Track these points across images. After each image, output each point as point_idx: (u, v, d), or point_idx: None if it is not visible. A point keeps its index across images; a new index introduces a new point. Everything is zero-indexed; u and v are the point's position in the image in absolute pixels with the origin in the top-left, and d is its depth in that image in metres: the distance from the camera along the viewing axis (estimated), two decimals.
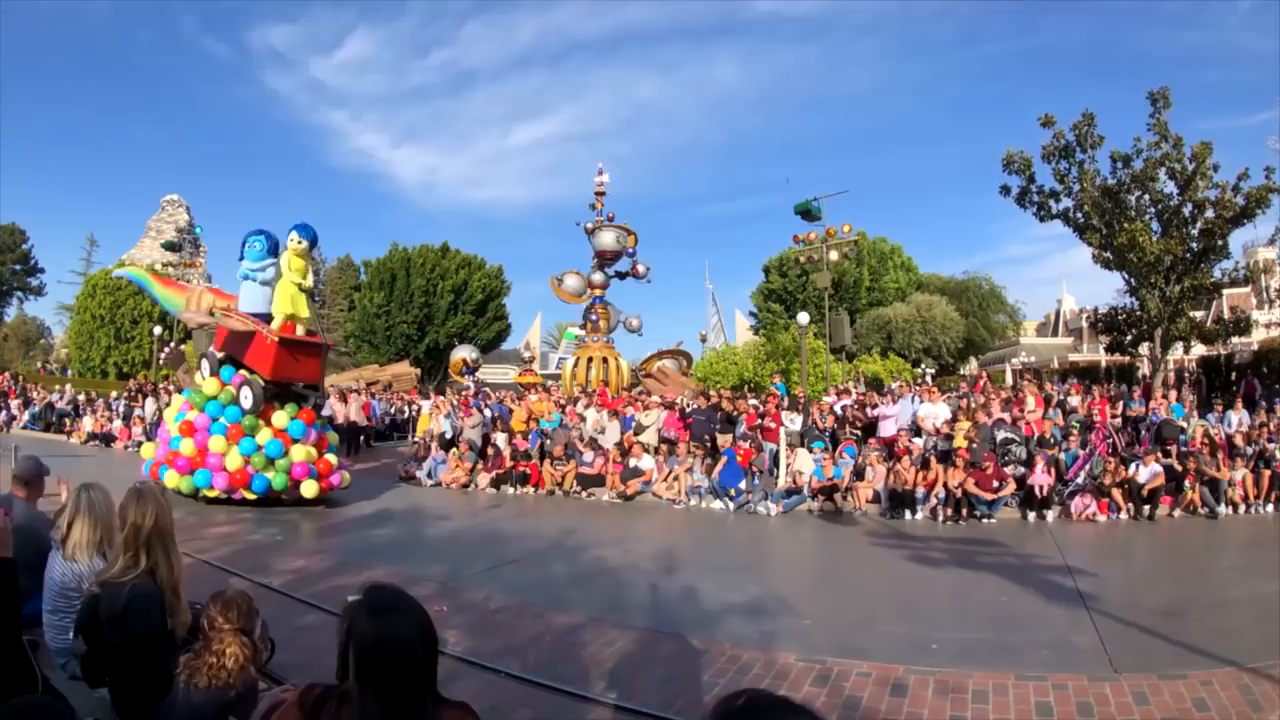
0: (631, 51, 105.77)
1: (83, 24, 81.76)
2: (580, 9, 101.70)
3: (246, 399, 9.36)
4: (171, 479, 9.26)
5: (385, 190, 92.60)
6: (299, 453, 9.53)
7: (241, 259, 9.75)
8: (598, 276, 18.98)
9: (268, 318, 9.53)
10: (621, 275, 19.27)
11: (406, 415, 19.61)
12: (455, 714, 1.54)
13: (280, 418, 9.61)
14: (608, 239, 18.35)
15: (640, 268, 18.94)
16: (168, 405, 16.65)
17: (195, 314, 10.65)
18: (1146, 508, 9.72)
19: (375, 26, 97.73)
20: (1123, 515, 9.70)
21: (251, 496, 9.23)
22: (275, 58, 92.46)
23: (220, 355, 9.96)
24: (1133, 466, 10.04)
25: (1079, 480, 10.11)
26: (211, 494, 9.17)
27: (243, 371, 9.66)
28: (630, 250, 18.78)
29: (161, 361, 11.11)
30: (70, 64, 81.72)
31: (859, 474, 10.71)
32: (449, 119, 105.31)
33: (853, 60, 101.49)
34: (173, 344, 11.46)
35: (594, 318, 19.29)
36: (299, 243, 9.43)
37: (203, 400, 9.56)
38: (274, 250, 9.69)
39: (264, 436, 9.38)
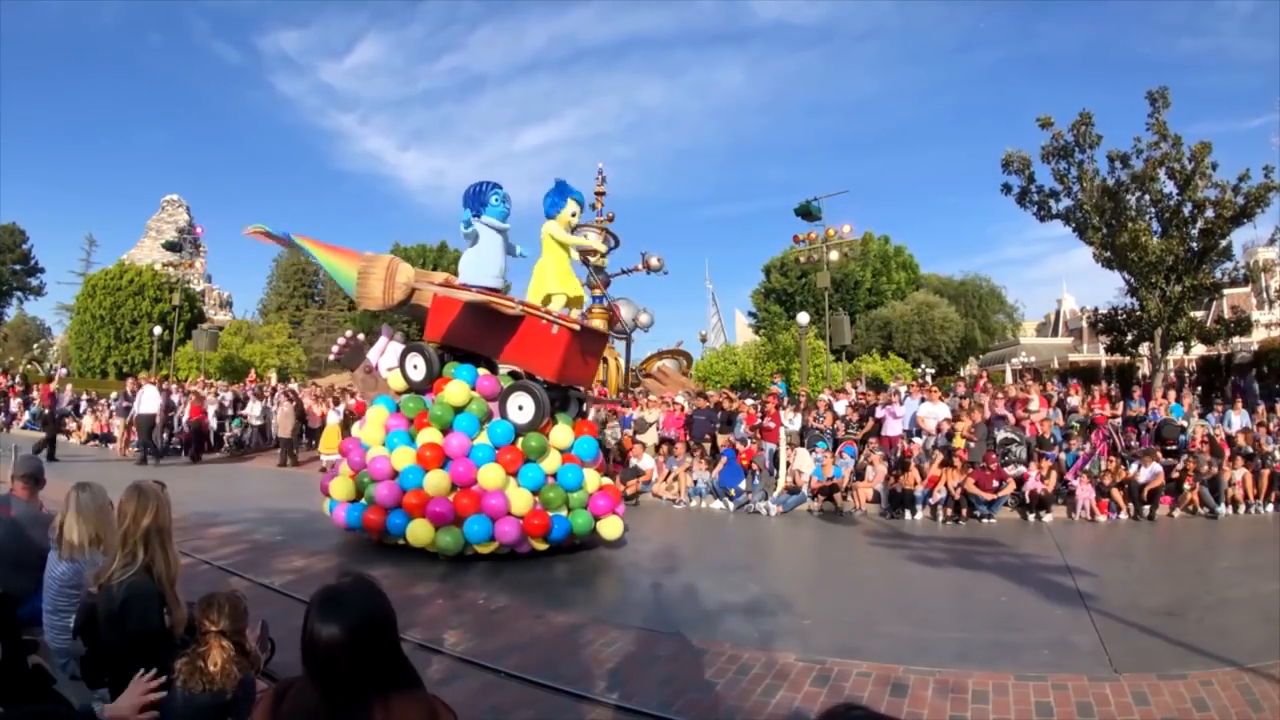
0: (638, 57, 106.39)
1: (92, 26, 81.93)
2: (589, 15, 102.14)
3: (523, 410, 6.89)
4: (420, 533, 6.47)
5: (391, 192, 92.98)
6: (593, 480, 7.18)
7: (477, 215, 7.27)
8: (598, 276, 18.95)
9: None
10: (627, 271, 19.24)
11: None
12: (403, 705, 1.56)
13: (561, 434, 7.14)
14: (591, 238, 18.28)
15: (653, 260, 18.84)
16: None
17: (391, 286, 7.74)
18: (1146, 508, 9.72)
19: (385, 32, 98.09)
20: (1123, 515, 9.70)
21: (542, 547, 6.77)
22: (286, 62, 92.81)
23: (437, 346, 7.51)
24: (1133, 466, 10.04)
25: (1076, 480, 10.11)
26: (486, 549, 6.54)
27: (484, 371, 7.35)
28: (610, 247, 18.62)
29: (334, 357, 9.11)
30: (77, 66, 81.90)
31: (859, 474, 10.71)
32: (456, 123, 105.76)
33: (855, 65, 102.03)
34: (350, 334, 9.38)
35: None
36: (574, 209, 7.51)
37: (446, 414, 6.95)
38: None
39: (552, 462, 6.97)
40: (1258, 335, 25.94)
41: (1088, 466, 10.39)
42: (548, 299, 7.29)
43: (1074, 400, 13.81)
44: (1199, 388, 17.78)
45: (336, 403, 14.81)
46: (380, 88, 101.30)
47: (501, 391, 7.09)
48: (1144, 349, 20.08)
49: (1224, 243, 17.16)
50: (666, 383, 18.21)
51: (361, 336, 8.68)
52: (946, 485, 9.76)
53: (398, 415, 7.35)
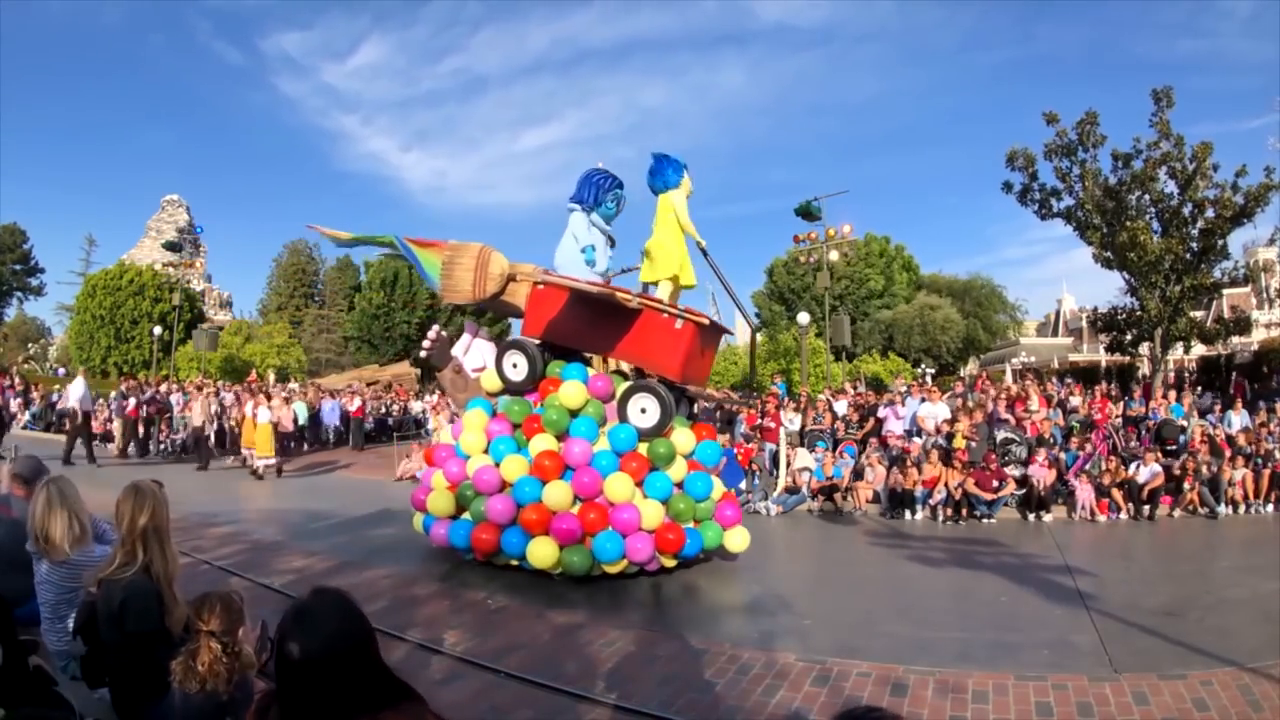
0: (640, 59, 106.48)
1: (95, 27, 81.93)
2: (592, 18, 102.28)
3: (646, 413, 6.17)
4: (543, 553, 5.72)
5: (394, 193, 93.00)
6: (718, 488, 6.59)
7: (586, 207, 6.79)
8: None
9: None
10: (627, 270, 19.23)
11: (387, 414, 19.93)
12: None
13: (683, 438, 6.37)
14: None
15: None
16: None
17: (483, 278, 6.93)
18: (1146, 508, 9.72)
19: (388, 33, 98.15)
20: (1123, 515, 9.70)
21: (671, 565, 6.16)
22: (289, 63, 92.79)
23: (538, 342, 6.75)
24: (1132, 466, 10.04)
25: (1076, 480, 10.11)
26: (615, 569, 5.83)
27: (589, 369, 6.71)
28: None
29: (424, 354, 8.20)
30: (80, 66, 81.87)
31: (859, 474, 10.71)
32: (459, 124, 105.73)
33: (856, 67, 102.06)
34: (437, 329, 8.51)
35: None
36: (687, 186, 6.58)
37: (562, 418, 6.19)
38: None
39: (679, 470, 6.29)
40: (1258, 335, 25.94)
41: (1088, 466, 10.39)
42: (675, 283, 6.48)
43: (1074, 400, 13.81)
44: (1199, 388, 17.78)
45: (269, 398, 13.84)
46: (383, 89, 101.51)
47: (619, 393, 6.36)
48: (1144, 349, 20.10)
49: (1222, 243, 17.17)
50: None
51: (445, 334, 7.84)
52: (947, 485, 9.76)
53: (500, 419, 6.55)
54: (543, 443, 6.16)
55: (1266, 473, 10.14)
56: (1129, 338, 19.43)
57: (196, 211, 48.67)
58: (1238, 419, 12.15)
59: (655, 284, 6.60)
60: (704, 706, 3.69)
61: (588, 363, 6.88)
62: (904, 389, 13.40)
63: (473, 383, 7.38)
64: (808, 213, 19.61)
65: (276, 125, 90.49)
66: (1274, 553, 7.40)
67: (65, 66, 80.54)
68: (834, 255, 19.74)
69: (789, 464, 10.87)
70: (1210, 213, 16.58)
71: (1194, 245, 17.10)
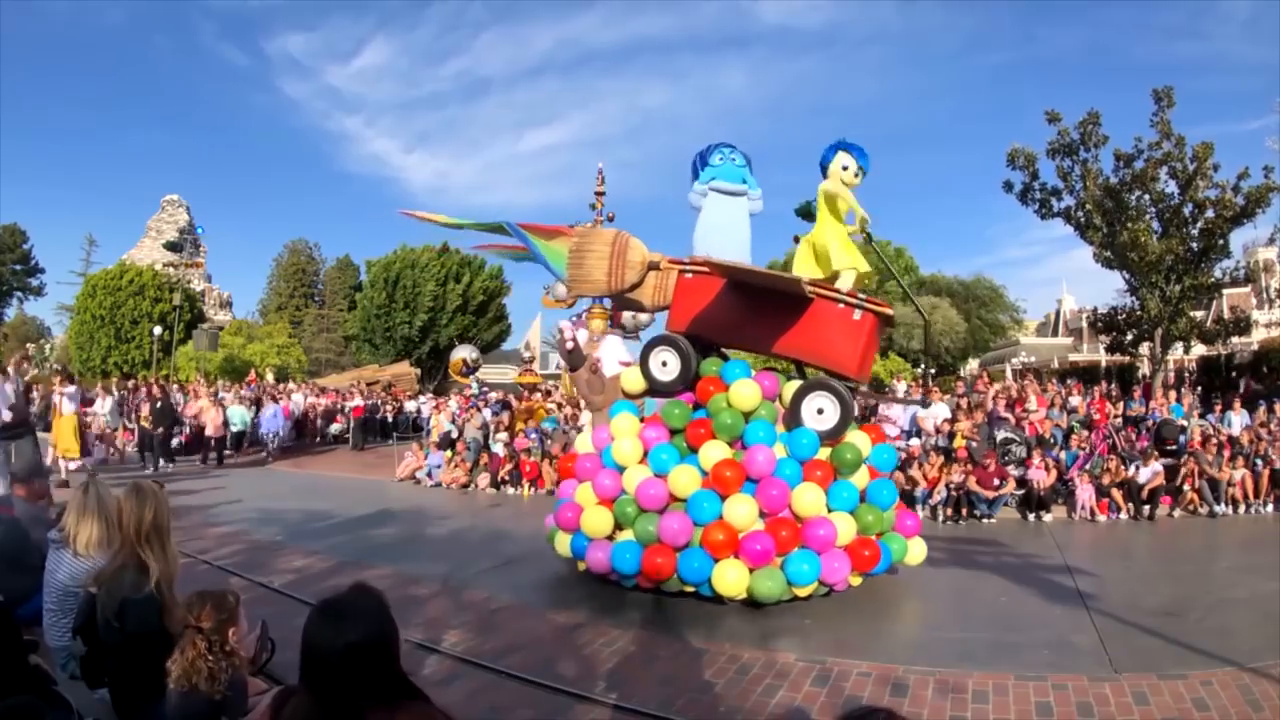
0: (643, 61, 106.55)
1: (98, 28, 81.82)
2: (595, 20, 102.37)
3: (823, 415, 5.55)
4: (732, 578, 5.01)
5: (396, 194, 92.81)
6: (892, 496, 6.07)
7: (699, 171, 6.38)
8: None
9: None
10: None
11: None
12: (408, 718, 1.56)
13: (859, 440, 5.78)
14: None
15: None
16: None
17: (620, 267, 6.34)
18: (1146, 508, 9.72)
19: (392, 35, 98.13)
20: (1123, 515, 9.70)
21: (856, 583, 5.58)
22: (292, 65, 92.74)
23: (684, 336, 6.03)
24: (1132, 467, 10.04)
25: (1075, 479, 10.12)
26: (805, 592, 5.23)
27: (754, 369, 5.99)
28: None
29: (565, 352, 7.07)
30: (82, 67, 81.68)
31: None
32: (461, 125, 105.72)
33: (857, 69, 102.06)
34: (569, 324, 7.64)
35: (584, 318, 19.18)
36: (845, 162, 5.90)
37: (737, 423, 5.51)
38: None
39: (862, 477, 5.75)
40: (1258, 335, 25.95)
41: (1088, 466, 10.39)
42: (834, 276, 5.78)
43: (1074, 400, 13.81)
44: (1199, 387, 17.79)
45: (71, 380, 11.79)
46: (386, 90, 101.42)
47: (788, 392, 5.74)
48: (1144, 349, 20.11)
49: (1222, 242, 17.18)
50: None
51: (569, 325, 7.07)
52: (947, 485, 9.76)
53: (654, 425, 5.83)
54: (716, 451, 5.42)
55: (1266, 472, 10.15)
56: (1129, 338, 19.44)
57: (197, 212, 48.59)
58: (1238, 419, 12.14)
59: (835, 276, 5.80)
60: (704, 706, 3.69)
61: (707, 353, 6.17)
62: (900, 387, 13.38)
63: (610, 384, 6.69)
64: (808, 213, 19.50)
65: (279, 126, 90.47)
66: (1274, 553, 7.39)
67: (68, 67, 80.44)
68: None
69: None
70: (1210, 213, 16.59)
71: (1194, 245, 17.11)
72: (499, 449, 12.67)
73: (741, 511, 5.16)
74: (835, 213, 5.91)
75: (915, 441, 11.19)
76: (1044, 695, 3.77)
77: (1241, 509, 9.97)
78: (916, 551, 5.97)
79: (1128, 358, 22.32)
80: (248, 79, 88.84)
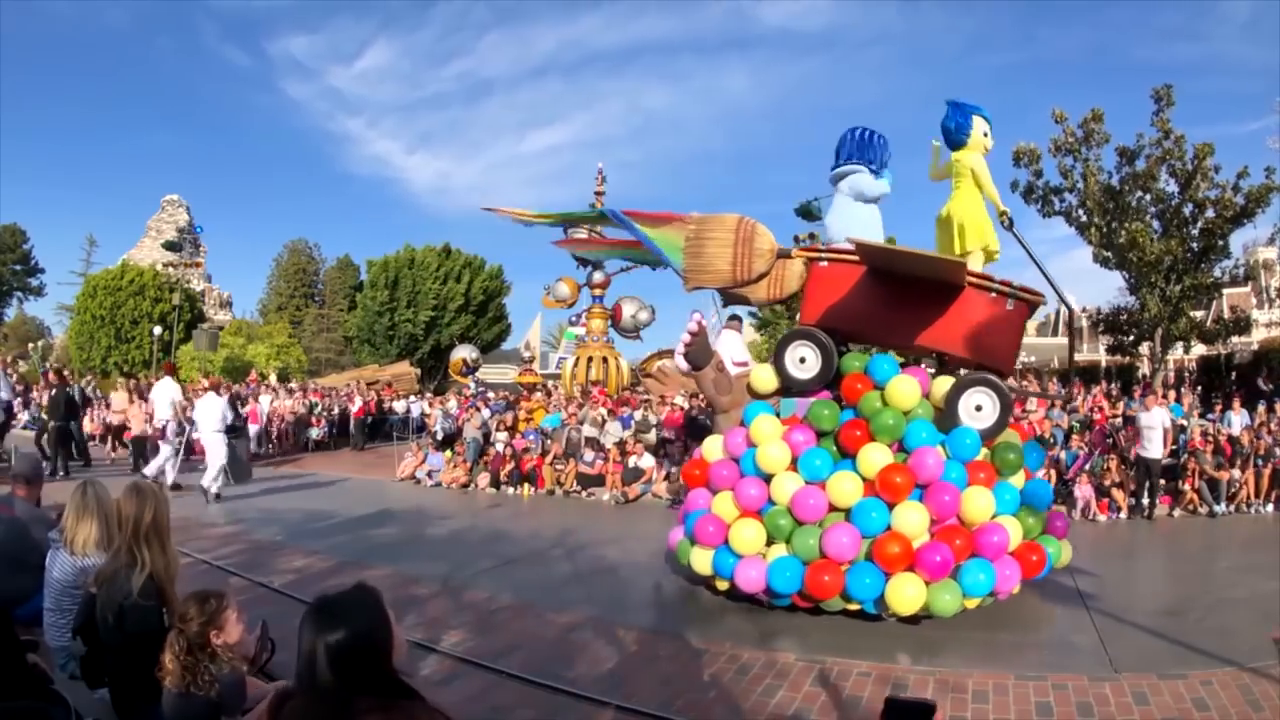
0: (645, 63, 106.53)
1: (101, 29, 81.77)
2: (598, 22, 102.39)
3: (982, 412, 5.17)
4: (908, 593, 4.62)
5: (397, 194, 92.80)
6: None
7: (880, 164, 5.97)
8: (598, 276, 18.96)
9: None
10: (627, 268, 19.25)
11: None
12: (404, 717, 1.57)
13: (1013, 438, 5.51)
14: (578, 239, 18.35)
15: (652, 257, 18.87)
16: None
17: (747, 255, 5.93)
18: (1145, 502, 9.73)
19: (395, 37, 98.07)
20: (1122, 515, 9.71)
21: (1015, 592, 5.13)
22: (295, 66, 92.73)
23: (817, 328, 5.62)
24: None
25: (1076, 480, 10.12)
26: (973, 604, 4.88)
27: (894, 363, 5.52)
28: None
29: (683, 351, 6.27)
30: (84, 67, 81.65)
31: None
32: (464, 127, 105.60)
33: (858, 71, 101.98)
34: (699, 317, 6.40)
35: (583, 319, 19.20)
36: (984, 128, 5.59)
37: (899, 424, 5.11)
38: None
39: (1020, 478, 5.43)
40: (1258, 335, 25.96)
41: (1088, 466, 10.39)
42: (987, 254, 5.49)
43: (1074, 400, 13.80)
44: (1199, 387, 17.80)
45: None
46: (389, 92, 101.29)
47: (939, 388, 5.33)
48: (1144, 349, 20.13)
49: (1222, 242, 17.20)
50: (667, 383, 18.18)
51: (707, 323, 6.45)
52: None
53: (800, 428, 5.36)
54: (879, 455, 4.99)
55: (1267, 472, 10.15)
56: (1129, 338, 19.45)
57: (197, 211, 48.58)
58: (1238, 419, 12.14)
59: (965, 257, 5.44)
60: (704, 706, 3.69)
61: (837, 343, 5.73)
62: None
63: (738, 383, 6.21)
64: (808, 213, 19.53)
65: (281, 127, 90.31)
66: (1274, 553, 7.39)
67: (70, 67, 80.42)
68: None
69: None
70: (1210, 213, 16.61)
71: (1194, 245, 17.13)
72: (501, 447, 12.68)
73: (914, 520, 4.75)
74: (975, 184, 5.55)
75: None
76: (1044, 695, 3.77)
77: (1242, 509, 9.98)
78: (1066, 554, 5.66)
79: (1128, 358, 22.34)
80: (250, 80, 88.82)
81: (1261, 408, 12.57)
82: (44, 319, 53.14)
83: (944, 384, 5.35)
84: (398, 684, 1.61)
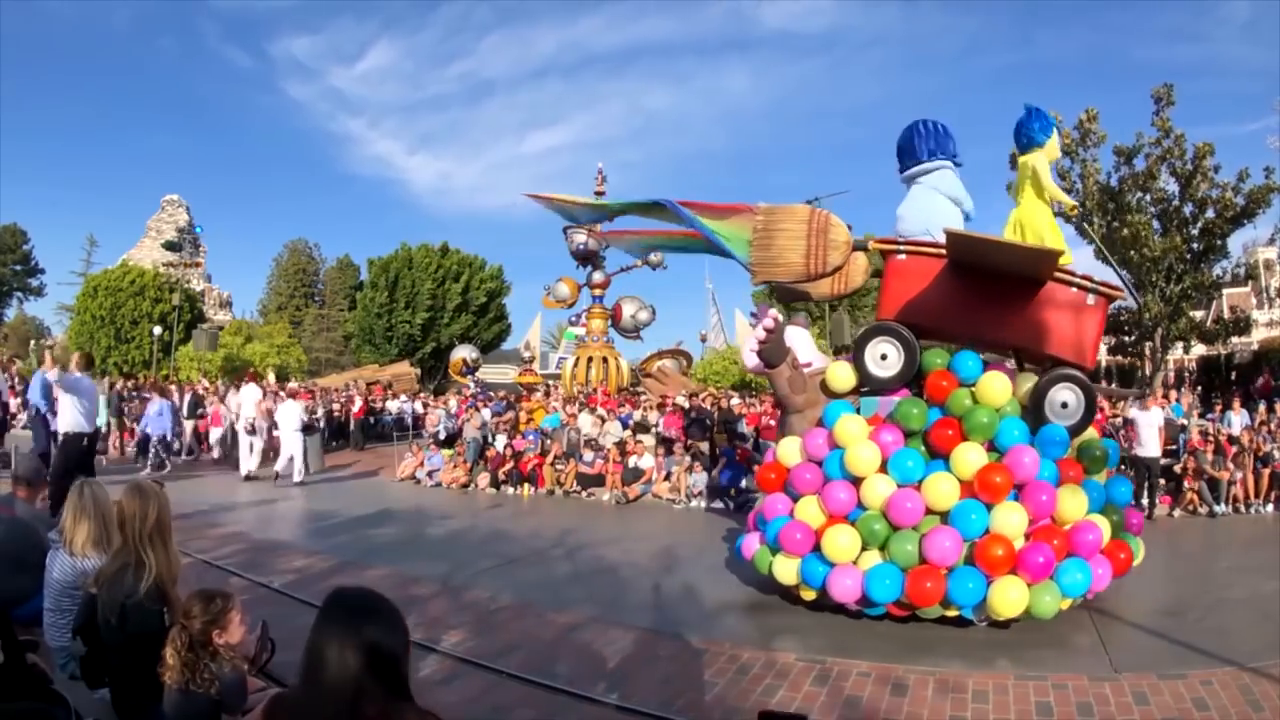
0: (646, 64, 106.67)
1: (104, 30, 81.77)
2: (599, 24, 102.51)
3: (1067, 409, 5.07)
4: (1010, 598, 4.52)
5: (398, 195, 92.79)
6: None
7: (952, 161, 5.80)
8: (598, 276, 18.98)
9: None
10: (626, 268, 19.28)
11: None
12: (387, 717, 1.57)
13: (1096, 437, 5.48)
14: (577, 239, 18.37)
15: (653, 256, 18.89)
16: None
17: (822, 248, 5.72)
18: (1145, 503, 9.72)
19: (397, 38, 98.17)
20: None
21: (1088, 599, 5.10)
22: (297, 67, 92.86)
23: (897, 327, 5.44)
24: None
25: None
26: (1067, 604, 4.80)
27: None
28: (601, 248, 18.57)
29: (758, 349, 5.61)
30: (87, 68, 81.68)
31: None
32: (465, 127, 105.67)
33: (859, 72, 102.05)
34: (774, 314, 5.61)
35: (583, 319, 19.22)
36: (1053, 148, 5.70)
37: (993, 421, 4.97)
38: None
39: (1103, 475, 5.39)
40: (1258, 335, 25.96)
41: None
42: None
43: None
44: (1199, 387, 17.80)
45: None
46: (390, 93, 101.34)
47: (1022, 385, 5.24)
48: (1144, 348, 20.16)
49: (1221, 242, 17.21)
50: (667, 383, 18.20)
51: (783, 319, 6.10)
52: None
53: (888, 428, 5.16)
54: (975, 455, 4.85)
55: (1266, 473, 10.15)
56: (1130, 338, 19.46)
57: (197, 211, 48.51)
58: (1238, 419, 12.14)
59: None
60: (704, 706, 3.69)
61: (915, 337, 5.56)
62: None
63: (813, 381, 5.94)
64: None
65: (282, 128, 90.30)
66: (1274, 553, 7.39)
67: (73, 68, 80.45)
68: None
69: None
70: (1210, 213, 16.62)
71: (1194, 245, 17.15)
72: (500, 447, 12.69)
73: (1013, 521, 4.64)
74: (1041, 190, 5.60)
75: None
76: (1044, 695, 3.77)
77: (1242, 509, 9.98)
78: (1141, 551, 5.55)
79: (1128, 358, 22.36)
80: (252, 81, 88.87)
81: (1262, 407, 12.58)
82: (44, 319, 53.19)
83: (1026, 381, 5.26)
84: (406, 686, 1.62)
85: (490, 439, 13.08)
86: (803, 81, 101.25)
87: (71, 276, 48.36)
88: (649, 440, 12.26)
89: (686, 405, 13.03)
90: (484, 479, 12.10)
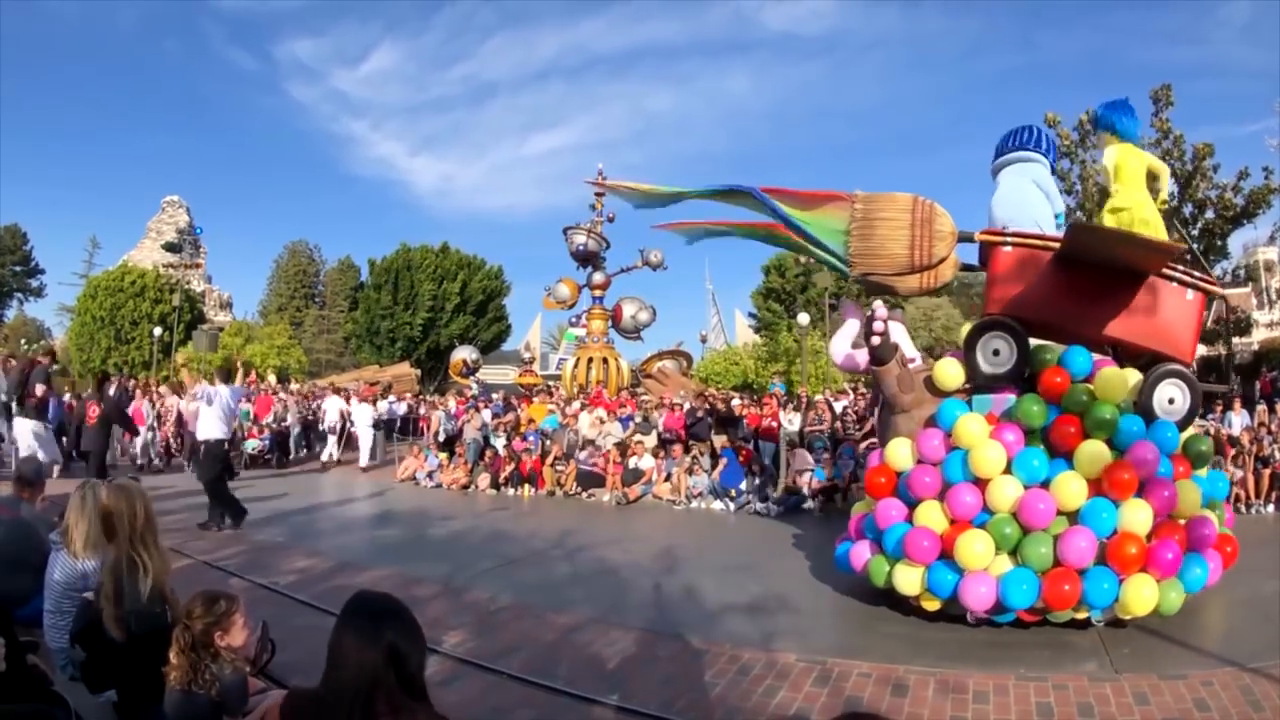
0: (648, 66, 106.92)
1: (107, 31, 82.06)
2: (601, 26, 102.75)
3: (1174, 404, 4.98)
4: (1143, 594, 4.47)
5: (400, 196, 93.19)
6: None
7: (1023, 148, 5.75)
8: (598, 276, 18.98)
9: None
10: (627, 269, 19.29)
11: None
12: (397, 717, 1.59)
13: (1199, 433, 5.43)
14: (577, 240, 18.40)
15: (653, 257, 18.90)
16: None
17: (927, 239, 5.51)
18: None
19: (400, 40, 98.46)
20: None
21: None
22: (301, 69, 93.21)
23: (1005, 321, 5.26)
24: None
25: None
26: (1184, 599, 4.75)
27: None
28: (601, 249, 18.57)
29: (875, 345, 5.47)
30: (89, 68, 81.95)
31: (857, 475, 10.71)
32: (467, 129, 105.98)
33: (860, 74, 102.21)
34: (884, 311, 5.52)
35: (583, 320, 19.22)
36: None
37: (1114, 418, 4.79)
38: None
39: (1206, 470, 5.36)
40: (1258, 335, 25.97)
41: None
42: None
43: None
44: None
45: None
46: (393, 94, 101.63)
47: (1161, 375, 5.00)
48: None
49: (1221, 243, 17.21)
50: (667, 383, 18.19)
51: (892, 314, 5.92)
52: None
53: (1009, 427, 5.00)
54: (1100, 452, 4.75)
55: (1267, 473, 10.14)
56: None
57: (198, 212, 48.63)
58: (1238, 419, 12.14)
59: None
60: (704, 706, 3.70)
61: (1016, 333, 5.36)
62: None
63: (920, 380, 5.72)
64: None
65: (285, 129, 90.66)
66: (1274, 553, 7.39)
67: (76, 69, 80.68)
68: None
69: (789, 465, 10.87)
70: (1210, 213, 16.62)
71: (1195, 246, 17.15)
72: (500, 449, 12.69)
73: (1141, 519, 4.57)
74: (1144, 180, 5.50)
75: None
76: (1044, 695, 3.77)
77: (1242, 509, 9.97)
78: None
79: None
80: (255, 82, 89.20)
81: (1261, 407, 12.58)
82: (44, 320, 53.22)
83: (1131, 377, 5.14)
84: (422, 689, 1.65)
85: (491, 439, 13.09)
86: (804, 83, 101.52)
87: (72, 278, 48.46)
88: (650, 440, 12.26)
89: (690, 405, 13.00)
90: (484, 480, 12.10)
